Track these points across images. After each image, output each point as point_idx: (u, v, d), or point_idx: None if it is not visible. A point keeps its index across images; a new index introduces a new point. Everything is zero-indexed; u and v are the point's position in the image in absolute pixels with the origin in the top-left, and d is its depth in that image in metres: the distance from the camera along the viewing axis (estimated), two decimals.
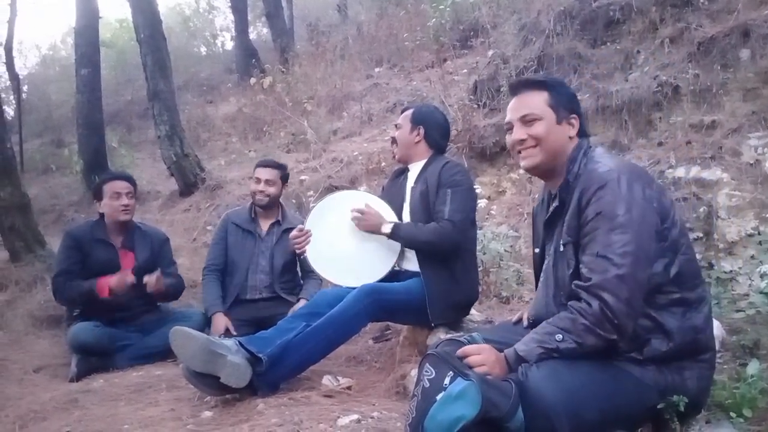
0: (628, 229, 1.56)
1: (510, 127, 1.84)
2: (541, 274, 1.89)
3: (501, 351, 1.69)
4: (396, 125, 2.92)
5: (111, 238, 3.46)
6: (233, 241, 3.56)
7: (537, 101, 1.80)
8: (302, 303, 3.33)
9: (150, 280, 3.29)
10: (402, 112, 2.96)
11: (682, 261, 1.64)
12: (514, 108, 1.83)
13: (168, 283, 3.43)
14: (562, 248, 1.73)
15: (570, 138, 1.79)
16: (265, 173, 3.57)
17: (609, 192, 1.59)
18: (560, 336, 1.60)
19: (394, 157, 2.98)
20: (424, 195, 2.67)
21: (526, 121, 1.79)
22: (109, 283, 3.26)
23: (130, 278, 3.30)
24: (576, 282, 1.64)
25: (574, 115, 1.80)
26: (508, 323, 2.28)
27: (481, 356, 1.64)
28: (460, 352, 1.67)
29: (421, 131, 2.80)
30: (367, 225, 2.67)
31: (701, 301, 1.67)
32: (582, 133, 1.82)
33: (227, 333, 3.23)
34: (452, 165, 2.70)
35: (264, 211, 3.62)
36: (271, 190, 3.56)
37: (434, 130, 2.82)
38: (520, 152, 1.82)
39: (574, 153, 1.76)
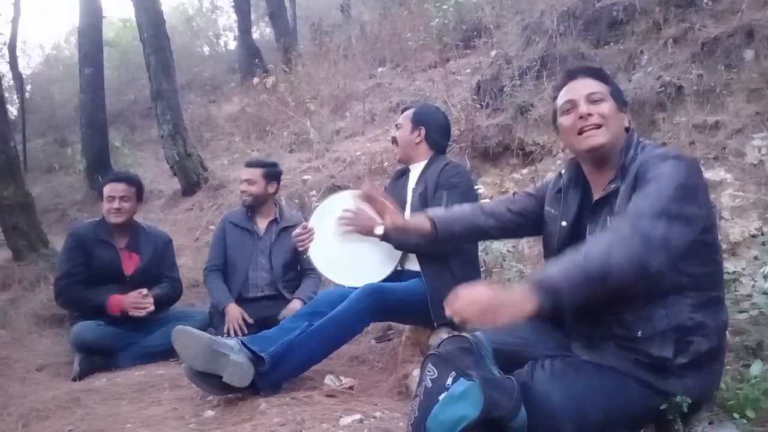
0: (682, 191, 1.52)
1: (569, 108, 1.77)
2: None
3: (506, 354, 1.72)
4: (396, 125, 2.91)
5: (114, 239, 3.46)
6: (232, 240, 3.57)
7: (601, 86, 1.78)
8: (297, 303, 3.33)
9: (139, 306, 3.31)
10: (402, 111, 2.96)
11: (718, 260, 1.66)
12: (577, 88, 1.78)
13: (156, 294, 3.41)
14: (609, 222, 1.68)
15: (625, 129, 1.78)
16: (245, 173, 3.61)
17: (669, 164, 1.57)
18: (587, 253, 1.48)
19: (397, 159, 2.98)
20: (423, 196, 2.67)
21: (593, 100, 1.74)
22: (122, 305, 3.27)
23: (149, 306, 3.31)
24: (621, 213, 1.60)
25: (626, 108, 1.82)
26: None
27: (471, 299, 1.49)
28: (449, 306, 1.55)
29: (422, 132, 2.80)
30: (359, 227, 2.62)
31: (723, 300, 1.69)
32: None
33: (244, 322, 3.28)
34: (452, 166, 2.70)
35: (259, 210, 3.63)
36: (252, 189, 3.57)
37: (435, 130, 2.82)
38: (581, 132, 1.74)
39: (629, 141, 1.74)
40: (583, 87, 1.77)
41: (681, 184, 1.53)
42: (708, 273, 1.63)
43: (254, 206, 3.61)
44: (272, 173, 3.64)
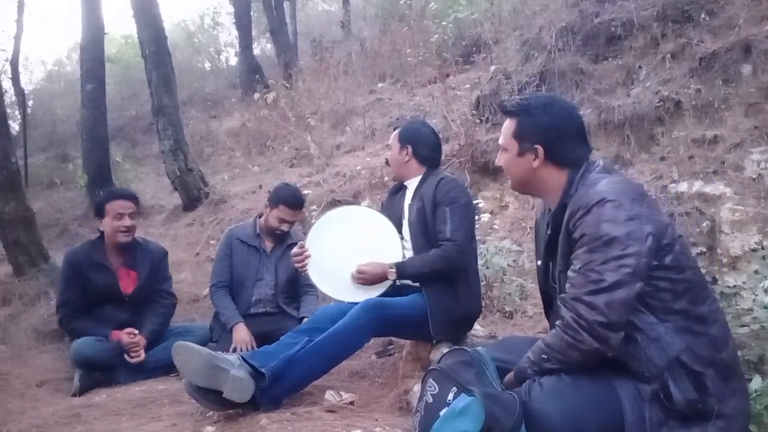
0: (610, 248, 1.55)
1: None
2: (557, 301, 1.83)
3: (507, 372, 1.73)
4: (388, 146, 2.95)
5: (110, 260, 3.43)
6: (238, 257, 3.53)
7: (507, 131, 1.89)
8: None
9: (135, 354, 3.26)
10: (394, 130, 2.98)
11: (686, 277, 1.62)
12: (501, 134, 1.93)
13: (150, 331, 3.37)
14: (559, 274, 1.75)
15: (534, 168, 1.82)
16: (294, 215, 3.50)
17: (593, 215, 1.59)
18: (545, 355, 1.63)
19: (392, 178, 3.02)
20: (420, 212, 2.68)
21: (501, 150, 1.93)
22: (121, 340, 3.25)
23: (140, 346, 3.27)
24: (560, 296, 1.66)
25: (537, 146, 1.80)
26: (512, 338, 2.27)
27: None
28: None
29: (410, 150, 2.81)
30: (373, 280, 2.67)
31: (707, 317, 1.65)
32: (566, 159, 1.79)
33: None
34: (447, 181, 2.71)
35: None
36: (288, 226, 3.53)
37: (423, 146, 2.83)
38: None
39: (572, 176, 1.77)
40: (502, 133, 1.92)
41: (605, 240, 1.56)
42: (678, 293, 1.60)
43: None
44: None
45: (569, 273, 1.64)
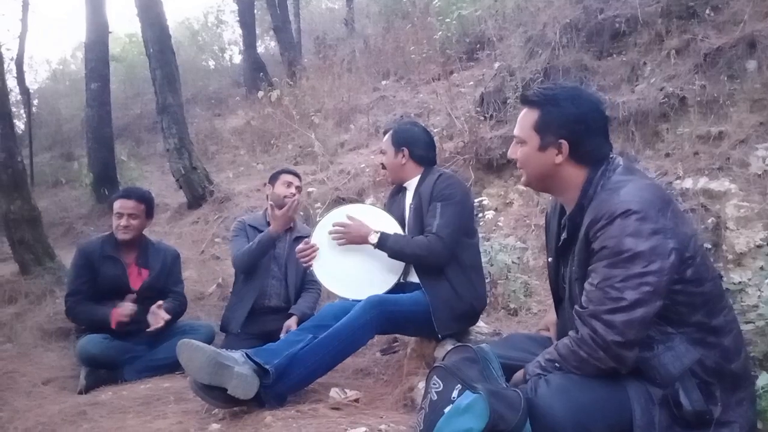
0: (632, 264, 1.50)
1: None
2: (565, 302, 1.82)
3: (511, 368, 1.71)
4: (381, 151, 2.93)
5: (121, 255, 3.45)
6: None
7: (526, 122, 1.75)
8: (293, 320, 3.33)
9: (155, 320, 3.28)
10: (384, 134, 2.97)
11: (708, 288, 1.59)
12: (516, 124, 1.80)
13: (167, 307, 3.38)
14: (573, 281, 1.71)
15: (556, 164, 1.70)
16: (293, 177, 3.58)
17: (616, 227, 1.52)
18: (558, 365, 1.61)
19: (389, 182, 3.00)
20: (417, 210, 2.69)
21: (517, 142, 1.79)
22: (116, 316, 3.26)
23: (130, 310, 3.29)
24: (575, 308, 1.63)
25: (562, 141, 1.69)
26: (516, 335, 2.27)
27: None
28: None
29: (406, 152, 2.81)
30: (352, 237, 2.67)
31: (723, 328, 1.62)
32: (590, 157, 1.69)
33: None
34: (445, 177, 2.70)
35: None
36: (299, 195, 3.61)
37: (418, 147, 2.82)
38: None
39: (591, 175, 1.68)
40: (517, 125, 1.79)
41: (627, 256, 1.50)
42: (695, 306, 1.57)
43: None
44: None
45: (586, 286, 1.59)
